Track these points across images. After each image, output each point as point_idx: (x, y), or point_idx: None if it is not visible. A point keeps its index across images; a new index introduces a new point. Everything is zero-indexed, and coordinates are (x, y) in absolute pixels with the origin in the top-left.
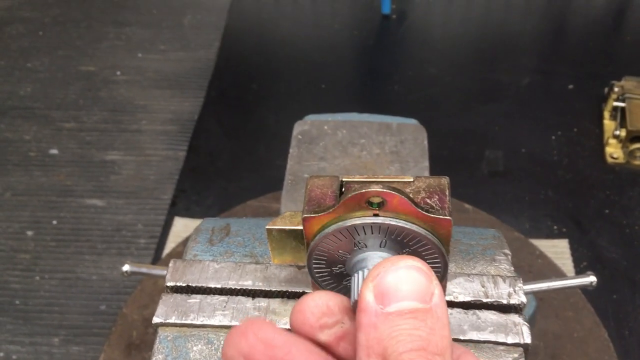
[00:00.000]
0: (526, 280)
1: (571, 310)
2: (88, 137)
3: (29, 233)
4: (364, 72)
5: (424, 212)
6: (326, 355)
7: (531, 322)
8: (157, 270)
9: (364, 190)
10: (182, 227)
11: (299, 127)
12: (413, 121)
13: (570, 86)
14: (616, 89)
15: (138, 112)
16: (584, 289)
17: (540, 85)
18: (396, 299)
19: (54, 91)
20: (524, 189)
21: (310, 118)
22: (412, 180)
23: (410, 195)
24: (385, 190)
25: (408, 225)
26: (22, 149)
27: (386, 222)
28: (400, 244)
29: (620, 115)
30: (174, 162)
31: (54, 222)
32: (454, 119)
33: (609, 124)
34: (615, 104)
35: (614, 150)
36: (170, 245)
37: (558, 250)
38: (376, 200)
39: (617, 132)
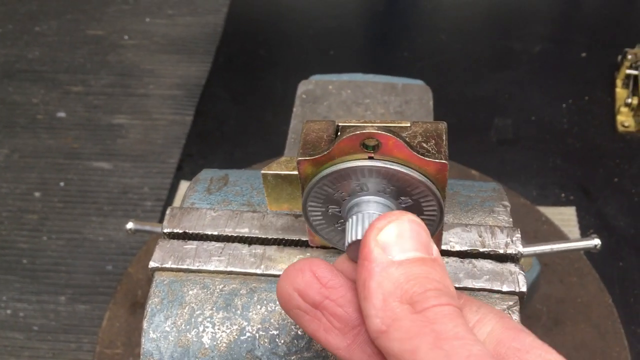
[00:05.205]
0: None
1: (575, 276)
2: (95, 100)
3: (37, 194)
4: (372, 39)
5: (419, 156)
6: None
7: (534, 286)
8: (160, 229)
9: (358, 132)
10: None
11: (303, 87)
12: (419, 82)
13: (583, 54)
14: (629, 57)
15: (145, 76)
16: (589, 255)
17: (553, 53)
18: (402, 249)
19: (62, 55)
20: (533, 157)
21: (315, 78)
22: (409, 125)
23: (407, 139)
24: (379, 132)
25: (402, 169)
26: (29, 112)
27: (380, 165)
28: (398, 188)
29: (633, 83)
30: (181, 126)
31: (61, 184)
32: (463, 86)
33: (621, 92)
34: (629, 71)
35: (625, 119)
36: None
37: (565, 217)
38: (371, 142)
39: (629, 100)
